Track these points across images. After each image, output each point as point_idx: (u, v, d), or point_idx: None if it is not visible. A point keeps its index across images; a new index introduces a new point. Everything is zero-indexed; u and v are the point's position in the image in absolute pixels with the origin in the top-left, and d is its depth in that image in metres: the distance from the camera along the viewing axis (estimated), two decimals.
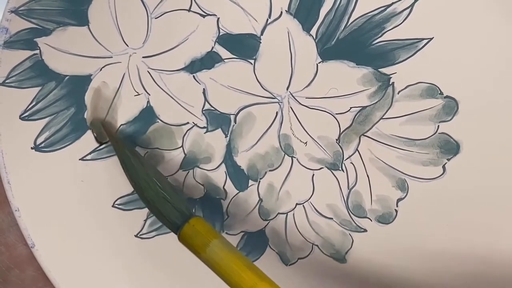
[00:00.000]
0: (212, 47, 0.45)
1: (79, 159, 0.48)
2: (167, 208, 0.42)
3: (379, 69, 0.44)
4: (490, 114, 0.43)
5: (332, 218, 0.49)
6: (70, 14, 0.44)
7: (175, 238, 0.50)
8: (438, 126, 0.44)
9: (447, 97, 0.43)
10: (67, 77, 0.46)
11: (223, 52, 0.45)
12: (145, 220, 0.50)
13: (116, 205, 0.50)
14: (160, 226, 0.50)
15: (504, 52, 0.42)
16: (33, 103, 0.46)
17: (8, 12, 0.43)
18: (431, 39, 0.42)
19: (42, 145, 0.47)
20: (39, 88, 0.45)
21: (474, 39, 0.42)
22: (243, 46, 0.45)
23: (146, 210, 0.50)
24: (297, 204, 0.49)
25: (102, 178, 0.49)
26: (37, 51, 0.45)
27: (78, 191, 0.49)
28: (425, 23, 0.42)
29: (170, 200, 0.43)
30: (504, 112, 0.43)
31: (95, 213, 0.49)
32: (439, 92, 0.44)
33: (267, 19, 0.43)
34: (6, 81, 0.45)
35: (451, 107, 0.44)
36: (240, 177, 0.49)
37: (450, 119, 0.44)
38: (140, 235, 0.50)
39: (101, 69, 0.46)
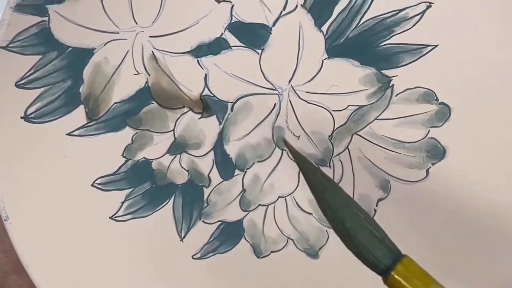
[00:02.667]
0: (222, 33, 0.51)
1: (66, 134, 0.53)
2: (374, 243, 0.42)
3: (382, 71, 0.52)
4: (479, 123, 0.53)
5: (311, 214, 0.57)
6: None
7: (149, 223, 0.56)
8: (429, 131, 0.53)
9: (441, 103, 0.52)
10: (70, 48, 0.51)
11: (232, 39, 0.51)
12: (123, 202, 0.56)
13: (96, 184, 0.55)
14: (137, 209, 0.57)
15: (502, 65, 0.51)
16: (31, 71, 0.50)
17: None
18: (435, 46, 0.51)
19: (32, 115, 0.52)
20: (40, 56, 0.50)
21: (475, 50, 0.51)
22: (253, 35, 0.51)
23: (125, 192, 0.56)
24: (279, 197, 0.57)
25: (85, 155, 0.54)
26: (46, 18, 0.49)
27: (60, 167, 0.54)
28: (432, 30, 0.50)
29: (377, 235, 0.42)
30: (492, 123, 0.53)
31: (73, 190, 0.55)
32: (435, 98, 0.52)
33: (281, 11, 0.50)
34: (10, 45, 0.49)
35: (444, 113, 0.52)
36: (227, 166, 0.56)
37: (441, 125, 0.53)
38: (115, 217, 0.56)
39: (105, 44, 0.51)
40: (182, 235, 0.58)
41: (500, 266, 0.56)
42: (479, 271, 0.56)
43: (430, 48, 0.51)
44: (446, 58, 0.51)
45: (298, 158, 0.48)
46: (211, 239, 0.58)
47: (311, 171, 0.46)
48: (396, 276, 0.41)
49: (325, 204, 0.44)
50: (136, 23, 0.50)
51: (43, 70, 0.51)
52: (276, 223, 0.58)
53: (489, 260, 0.56)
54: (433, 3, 0.50)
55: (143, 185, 0.56)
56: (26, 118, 0.52)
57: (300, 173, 0.55)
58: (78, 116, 0.53)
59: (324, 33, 0.51)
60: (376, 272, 0.42)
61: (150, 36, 0.51)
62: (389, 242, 0.42)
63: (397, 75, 0.52)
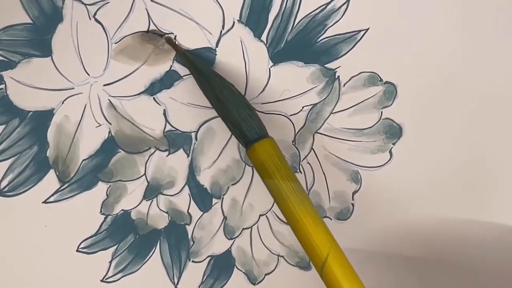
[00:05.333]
0: (171, 66, 0.55)
1: (42, 202, 0.56)
2: (248, 118, 0.52)
3: (325, 65, 0.56)
4: (426, 94, 0.58)
5: None
6: (35, 45, 0.52)
7: (141, 277, 0.58)
8: (382, 112, 0.58)
9: (386, 82, 0.57)
10: (30, 113, 0.53)
11: (182, 70, 0.55)
12: (110, 262, 0.58)
13: (81, 249, 0.57)
14: (126, 266, 0.59)
15: (434, 35, 0.57)
16: None
17: None
18: (367, 30, 0.56)
19: (6, 189, 0.54)
20: (3, 126, 0.53)
21: (405, 26, 0.56)
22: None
23: (110, 251, 0.58)
24: (260, 215, 0.60)
25: (65, 221, 0.56)
26: (2, 86, 0.52)
27: (42, 238, 0.56)
28: (361, 15, 0.55)
29: (252, 114, 0.53)
30: (438, 92, 0.58)
31: (59, 260, 0.57)
32: (379, 79, 0.57)
33: (221, 31, 0.54)
34: None
35: (390, 91, 0.57)
36: (203, 197, 0.59)
37: (391, 104, 0.58)
38: (106, 279, 0.58)
39: (63, 102, 0.54)
40: (176, 281, 0.59)
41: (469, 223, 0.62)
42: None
43: (362, 32, 0.56)
44: (380, 38, 0.56)
45: (191, 66, 0.55)
46: (205, 278, 0.60)
47: (200, 67, 0.54)
48: (257, 147, 0.51)
49: (212, 88, 0.53)
50: (88, 74, 0.54)
51: (9, 140, 0.53)
52: (263, 243, 0.60)
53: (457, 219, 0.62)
54: None
55: (127, 239, 0.58)
56: (0, 193, 0.54)
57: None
58: (50, 181, 0.55)
59: (265, 42, 0.55)
60: (244, 142, 0.53)
61: (104, 85, 0.54)
62: (260, 122, 0.53)
63: (340, 66, 0.56)
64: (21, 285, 0.56)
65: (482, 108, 0.58)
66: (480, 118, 0.58)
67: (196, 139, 0.57)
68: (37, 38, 0.52)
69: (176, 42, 0.54)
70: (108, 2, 0.52)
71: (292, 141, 0.58)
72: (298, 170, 0.59)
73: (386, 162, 0.59)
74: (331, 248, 0.48)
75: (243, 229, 0.60)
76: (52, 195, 0.55)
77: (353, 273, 0.48)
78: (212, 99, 0.53)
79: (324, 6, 0.55)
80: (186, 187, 0.58)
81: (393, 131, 0.58)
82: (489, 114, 0.58)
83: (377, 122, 0.58)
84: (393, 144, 0.59)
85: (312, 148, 0.59)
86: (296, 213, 0.49)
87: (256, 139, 0.51)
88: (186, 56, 0.54)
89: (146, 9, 0.53)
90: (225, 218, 0.60)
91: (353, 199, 0.60)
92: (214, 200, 0.59)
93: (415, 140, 0.59)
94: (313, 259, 0.48)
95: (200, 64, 0.54)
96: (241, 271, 0.61)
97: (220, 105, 0.52)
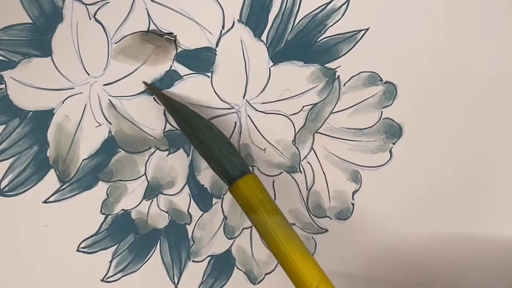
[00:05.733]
0: (171, 66, 0.55)
1: (42, 202, 0.56)
2: (230, 155, 0.53)
3: (325, 65, 0.56)
4: (426, 94, 0.58)
5: (294, 224, 0.60)
6: (35, 45, 0.52)
7: (141, 277, 0.58)
8: (382, 112, 0.58)
9: (386, 82, 0.57)
10: (31, 112, 0.54)
11: (182, 69, 0.55)
12: (111, 262, 0.58)
13: (81, 249, 0.57)
14: (126, 265, 0.59)
15: (434, 34, 0.57)
16: None
17: None
18: (367, 29, 0.56)
19: (6, 189, 0.54)
20: (3, 126, 0.53)
21: (405, 26, 0.56)
22: (200, 60, 0.55)
23: (111, 250, 0.58)
24: None
25: (65, 221, 0.56)
26: (3, 86, 0.52)
27: (42, 238, 0.56)
28: (361, 15, 0.56)
29: (232, 151, 0.53)
30: (438, 91, 0.58)
31: (60, 260, 0.57)
32: (379, 79, 0.57)
33: (221, 31, 0.55)
34: None
35: (390, 91, 0.58)
36: (204, 197, 0.59)
37: (391, 104, 0.58)
38: (106, 278, 0.58)
39: (63, 102, 0.54)
40: (176, 281, 0.60)
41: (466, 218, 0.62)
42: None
43: (362, 32, 0.56)
44: (380, 38, 0.56)
45: (164, 99, 0.55)
46: (205, 278, 0.60)
47: (179, 108, 0.55)
48: (240, 183, 0.52)
49: (192, 128, 0.54)
50: (88, 74, 0.54)
51: (9, 139, 0.53)
52: (263, 243, 0.61)
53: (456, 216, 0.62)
54: None
55: (127, 238, 0.58)
56: (0, 193, 0.54)
57: (274, 185, 0.59)
58: (51, 181, 0.55)
59: (265, 42, 0.55)
60: (227, 180, 0.53)
61: (104, 85, 0.55)
62: (242, 158, 0.54)
63: (340, 66, 0.56)
64: (21, 285, 0.57)
65: (482, 108, 0.58)
66: (480, 118, 0.58)
67: None
68: (37, 38, 0.52)
69: (177, 42, 0.54)
70: (108, 2, 0.53)
71: (292, 141, 0.58)
72: (298, 170, 0.59)
73: (386, 162, 0.59)
74: (320, 281, 0.48)
75: (243, 228, 0.60)
76: (52, 195, 0.56)
77: None
78: (192, 140, 0.54)
79: (324, 6, 0.55)
80: (186, 186, 0.58)
81: (393, 131, 0.58)
82: (489, 114, 0.58)
83: (377, 122, 0.58)
84: (393, 143, 0.59)
85: (312, 148, 0.59)
86: (283, 247, 0.49)
87: (239, 175, 0.52)
88: (165, 99, 0.55)
89: (146, 9, 0.53)
90: (225, 217, 0.60)
91: (353, 199, 0.60)
92: (214, 200, 0.59)
93: (415, 140, 0.59)
94: None
95: (179, 106, 0.54)
96: (241, 270, 0.61)
97: (201, 145, 0.53)
